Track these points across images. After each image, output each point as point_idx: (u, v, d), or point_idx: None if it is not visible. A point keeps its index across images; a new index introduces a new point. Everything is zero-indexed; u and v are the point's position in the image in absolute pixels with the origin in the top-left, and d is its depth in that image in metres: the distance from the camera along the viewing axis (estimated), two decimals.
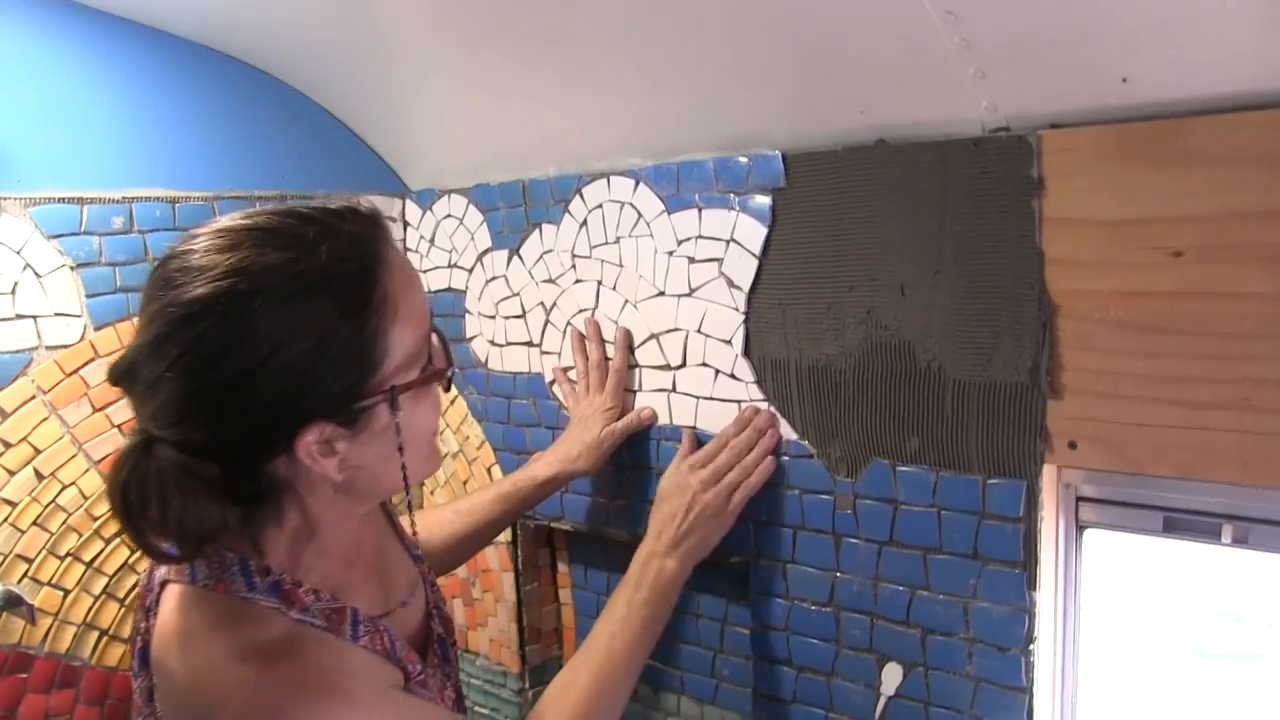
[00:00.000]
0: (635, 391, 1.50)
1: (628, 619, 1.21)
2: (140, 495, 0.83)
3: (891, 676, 1.25)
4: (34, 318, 1.42)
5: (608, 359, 1.50)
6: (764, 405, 1.33)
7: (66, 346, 1.44)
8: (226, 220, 0.87)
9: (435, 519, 1.43)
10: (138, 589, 1.19)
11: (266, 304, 0.82)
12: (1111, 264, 1.01)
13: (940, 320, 1.14)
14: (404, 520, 1.17)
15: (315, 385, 0.85)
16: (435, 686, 1.03)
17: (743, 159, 1.30)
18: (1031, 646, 1.13)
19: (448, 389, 1.00)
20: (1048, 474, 1.11)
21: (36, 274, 1.41)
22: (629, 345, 1.49)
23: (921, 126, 1.14)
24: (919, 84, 1.11)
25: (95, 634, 1.48)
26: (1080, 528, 1.14)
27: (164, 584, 0.93)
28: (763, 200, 1.28)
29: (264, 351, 0.82)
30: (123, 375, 0.87)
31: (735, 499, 1.29)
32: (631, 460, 1.51)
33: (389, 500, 1.15)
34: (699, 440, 1.39)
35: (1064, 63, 0.98)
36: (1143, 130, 0.98)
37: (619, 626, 1.20)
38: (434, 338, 0.95)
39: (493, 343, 1.70)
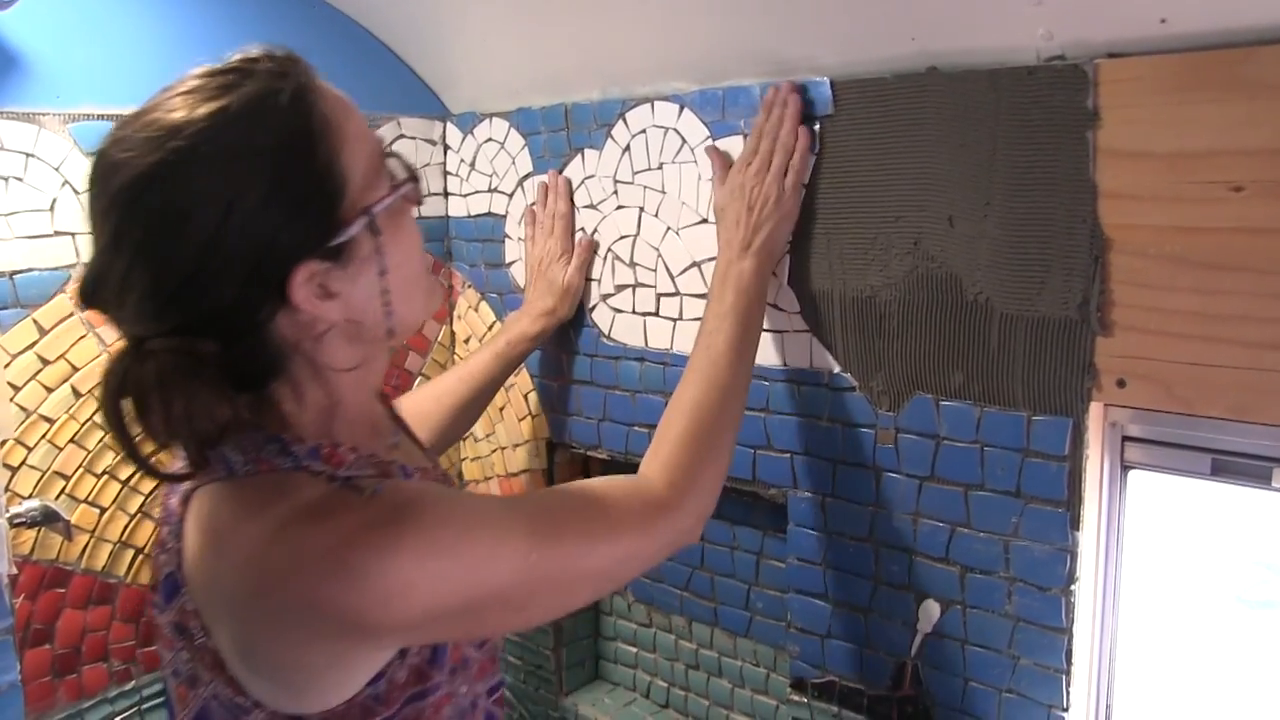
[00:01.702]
0: (676, 320, 1.48)
1: (719, 329, 1.20)
2: (140, 400, 0.80)
3: (929, 614, 1.24)
4: (72, 234, 1.41)
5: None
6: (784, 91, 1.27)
7: None
8: (146, 103, 0.84)
9: (441, 388, 1.49)
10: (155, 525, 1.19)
11: (209, 157, 0.79)
12: (1168, 198, 0.98)
13: (989, 252, 1.11)
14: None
15: (286, 226, 0.81)
16: None
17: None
18: (1073, 587, 1.11)
19: (419, 203, 0.95)
20: (1094, 412, 1.08)
21: (75, 190, 1.40)
22: (570, 193, 1.59)
23: (974, 54, 1.10)
24: (972, 9, 1.07)
25: (130, 552, 1.49)
26: (1125, 468, 1.12)
27: (190, 494, 0.89)
28: (809, 127, 1.25)
29: (221, 206, 0.79)
30: (91, 292, 0.84)
31: (789, 181, 1.26)
32: (669, 388, 1.49)
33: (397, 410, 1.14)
34: None
35: None
36: (1205, 59, 0.94)
37: (713, 338, 1.19)
38: (390, 161, 0.91)
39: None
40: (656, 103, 1.44)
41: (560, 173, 1.61)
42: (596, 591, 1.01)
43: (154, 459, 0.84)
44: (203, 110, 0.80)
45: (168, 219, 0.79)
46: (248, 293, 0.82)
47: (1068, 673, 1.13)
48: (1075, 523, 1.10)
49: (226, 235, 0.79)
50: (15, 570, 1.21)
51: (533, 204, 1.66)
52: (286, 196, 0.81)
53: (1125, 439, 1.10)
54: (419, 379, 1.82)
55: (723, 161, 1.35)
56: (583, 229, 1.59)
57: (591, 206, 1.56)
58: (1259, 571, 1.39)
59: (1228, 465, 1.03)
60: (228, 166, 0.80)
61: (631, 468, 1.62)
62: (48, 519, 1.39)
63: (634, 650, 1.78)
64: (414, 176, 0.92)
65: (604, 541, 0.95)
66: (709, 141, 1.37)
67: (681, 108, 1.40)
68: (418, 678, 0.90)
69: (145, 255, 0.80)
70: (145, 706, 1.54)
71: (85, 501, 1.45)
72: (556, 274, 1.58)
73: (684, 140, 1.40)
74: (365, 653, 0.84)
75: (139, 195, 0.79)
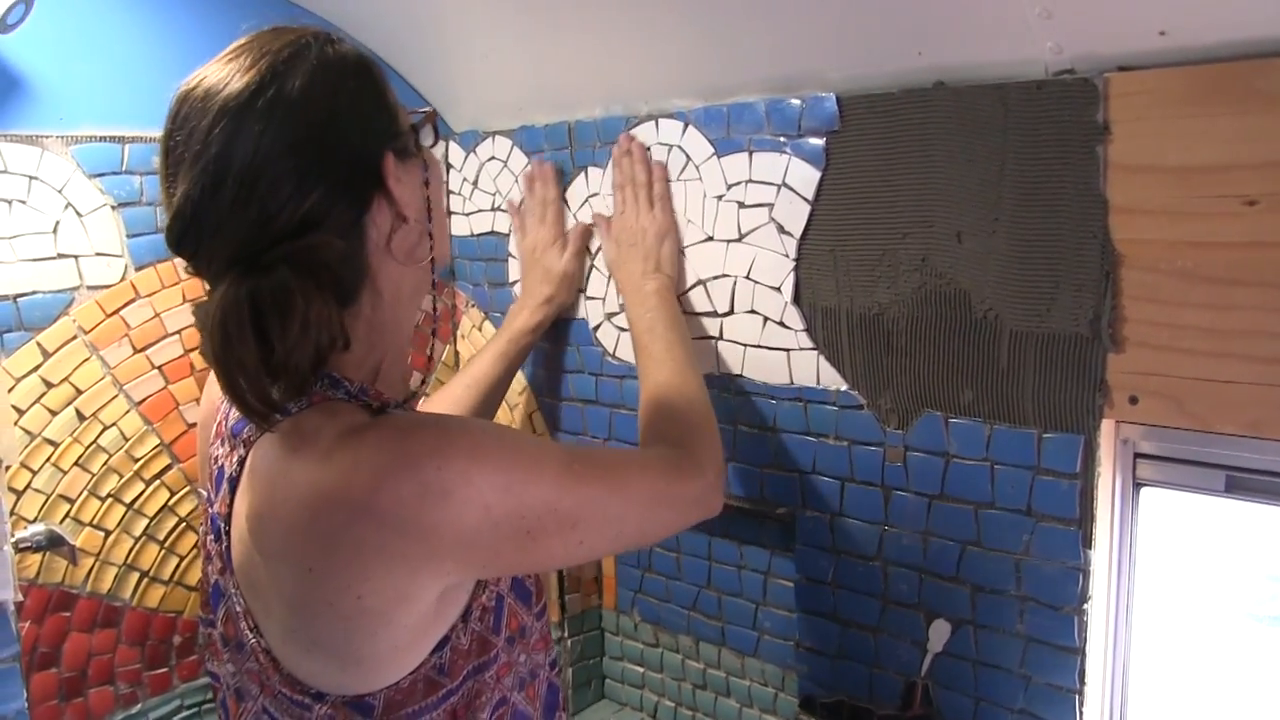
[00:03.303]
0: None
1: (654, 324, 1.30)
2: (256, 320, 0.81)
3: (939, 633, 1.23)
4: (75, 257, 1.41)
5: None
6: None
7: (108, 287, 1.43)
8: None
9: (449, 398, 1.51)
10: (199, 532, 1.17)
11: (310, 62, 0.86)
12: (1180, 212, 0.97)
13: (998, 269, 1.11)
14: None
15: (375, 115, 0.90)
16: None
17: (795, 101, 1.26)
18: (1085, 606, 1.10)
19: (436, 137, 1.01)
20: (1105, 429, 1.07)
21: (78, 213, 1.40)
22: (559, 180, 1.60)
23: (982, 68, 1.10)
24: (980, 23, 1.07)
25: (136, 575, 1.49)
26: (1138, 485, 1.11)
27: (248, 450, 0.91)
28: (816, 143, 1.24)
29: (329, 90, 0.86)
30: (184, 230, 0.85)
31: (657, 204, 1.43)
32: None
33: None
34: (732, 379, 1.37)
35: (1134, 1, 0.94)
36: (1218, 72, 0.93)
37: (654, 331, 1.30)
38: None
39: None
40: (660, 120, 1.43)
41: (546, 162, 1.61)
42: (641, 525, 1.02)
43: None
44: (284, 40, 0.88)
45: (284, 105, 0.84)
46: (359, 171, 0.88)
47: (1081, 692, 1.12)
48: (1087, 541, 1.09)
49: (338, 115, 0.87)
50: (21, 597, 1.20)
51: (520, 203, 1.66)
52: (369, 94, 0.90)
53: (1137, 456, 1.09)
54: (422, 398, 1.81)
55: (605, 225, 1.49)
56: (575, 216, 1.61)
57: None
58: (1271, 587, 1.37)
59: (1242, 482, 1.02)
60: (324, 69, 0.87)
61: None
62: (53, 543, 1.38)
63: (641, 670, 1.77)
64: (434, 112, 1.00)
65: (637, 471, 1.01)
66: (714, 158, 1.36)
67: (686, 125, 1.40)
68: (480, 647, 0.91)
69: (275, 133, 0.83)
70: None
71: (90, 525, 1.44)
72: (552, 261, 1.58)
73: (689, 158, 1.40)
74: (426, 579, 0.83)
75: (244, 105, 0.83)
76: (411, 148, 0.94)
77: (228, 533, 0.92)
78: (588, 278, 1.58)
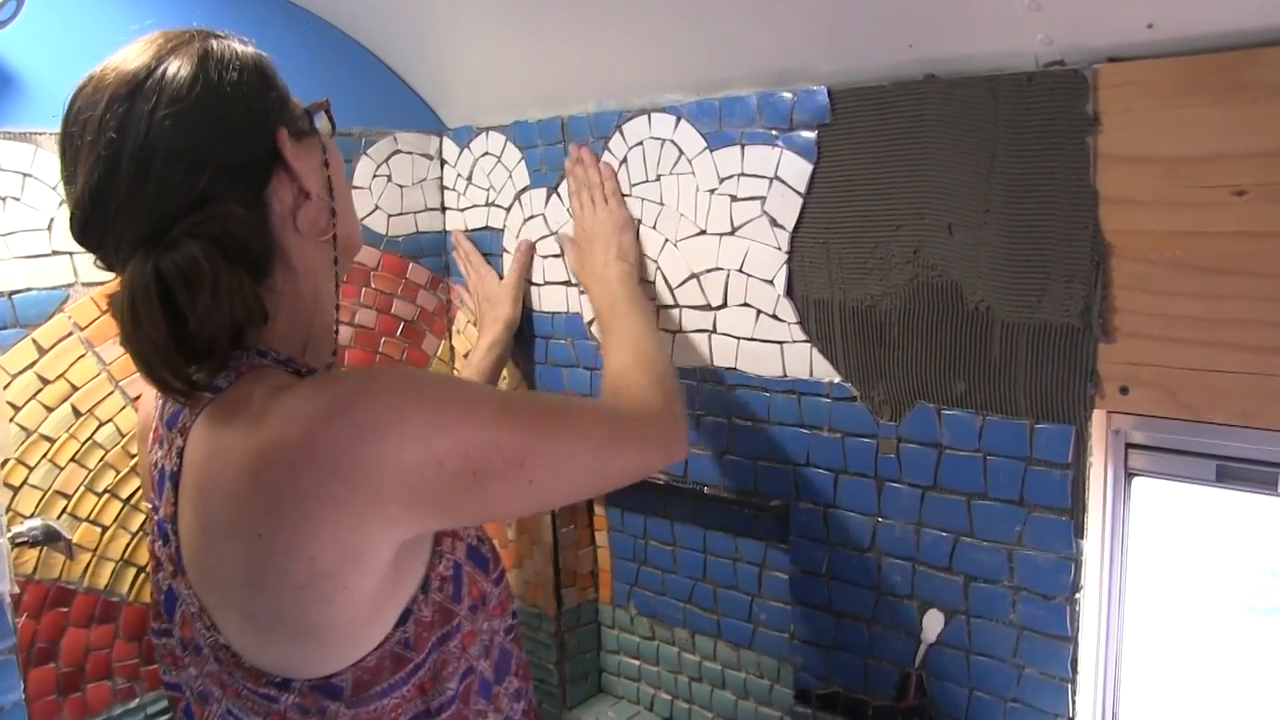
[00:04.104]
0: (675, 332, 1.47)
1: (616, 302, 1.35)
2: (165, 299, 0.82)
3: (933, 623, 1.24)
4: (70, 254, 1.41)
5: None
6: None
7: (103, 283, 1.43)
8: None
9: None
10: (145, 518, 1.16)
11: (195, 47, 0.90)
12: (1170, 203, 0.98)
13: (989, 260, 1.11)
14: None
15: (264, 96, 0.92)
16: None
17: (787, 94, 1.27)
18: (1077, 595, 1.11)
19: (334, 130, 1.03)
20: (1097, 419, 1.08)
21: None
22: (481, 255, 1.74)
23: (972, 61, 1.10)
24: (970, 16, 1.07)
25: (133, 570, 1.48)
26: (1129, 475, 1.11)
27: (185, 439, 0.89)
28: (807, 136, 1.25)
29: (216, 74, 0.88)
30: (87, 218, 0.87)
31: (608, 195, 1.50)
32: None
33: None
34: (722, 377, 1.38)
35: None
36: (1207, 63, 0.94)
37: (616, 308, 1.34)
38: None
39: (530, 282, 1.68)
40: (653, 114, 1.43)
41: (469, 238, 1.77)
42: (595, 465, 1.00)
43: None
44: (162, 39, 0.92)
45: (173, 84, 0.86)
46: (252, 144, 0.90)
47: (1073, 681, 1.13)
48: (1079, 531, 1.10)
49: (226, 92, 0.88)
50: (17, 590, 1.20)
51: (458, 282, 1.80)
52: (259, 74, 0.93)
53: (1129, 446, 1.10)
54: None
55: (568, 241, 1.57)
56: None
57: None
58: (1264, 578, 1.38)
59: (1233, 471, 1.03)
60: (209, 53, 0.90)
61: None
62: (49, 538, 1.38)
63: (637, 663, 1.77)
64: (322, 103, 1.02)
65: (585, 409, 1.02)
66: (706, 152, 1.36)
67: (678, 119, 1.40)
68: (443, 617, 0.92)
69: (159, 122, 0.85)
70: None
71: (87, 520, 1.44)
72: (492, 288, 1.69)
73: (681, 152, 1.40)
74: (375, 529, 0.82)
75: (136, 88, 0.86)
76: (306, 128, 0.97)
77: (175, 532, 0.91)
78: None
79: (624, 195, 1.50)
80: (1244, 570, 1.34)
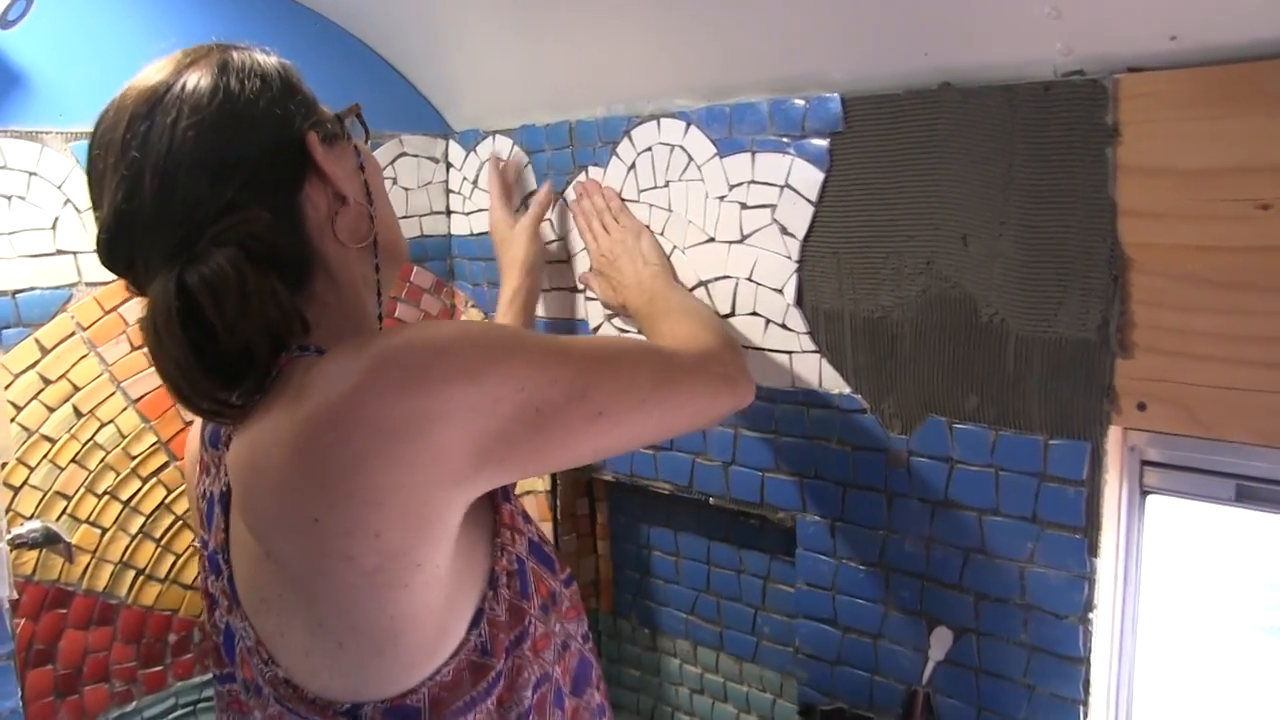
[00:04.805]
0: None
1: (653, 300, 1.33)
2: (195, 316, 0.78)
3: (941, 641, 1.22)
4: (74, 253, 1.40)
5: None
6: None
7: (106, 283, 1.42)
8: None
9: None
10: (199, 583, 1.11)
11: (215, 58, 0.88)
12: (1191, 216, 0.96)
13: (1004, 272, 1.09)
14: None
15: (288, 99, 0.90)
16: None
17: (799, 101, 1.25)
18: (1090, 615, 1.09)
19: (367, 135, 1.01)
20: (1112, 436, 1.06)
21: (77, 209, 1.39)
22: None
23: (989, 69, 1.08)
24: (988, 24, 1.05)
25: (132, 573, 1.47)
26: (1144, 493, 1.09)
27: (229, 442, 0.85)
28: (819, 144, 1.23)
29: (237, 83, 0.86)
30: (113, 238, 0.85)
31: (616, 214, 1.48)
32: None
33: None
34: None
35: (1145, 2, 0.93)
36: (1231, 73, 0.92)
37: (657, 295, 1.34)
38: None
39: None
40: (662, 120, 1.42)
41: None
42: (662, 396, 0.96)
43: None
44: (181, 54, 0.90)
45: (194, 94, 0.84)
46: (279, 150, 0.87)
47: (1085, 703, 1.11)
48: (1093, 549, 1.08)
49: (250, 98, 0.86)
50: (16, 594, 1.19)
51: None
52: (283, 79, 0.91)
53: (1144, 463, 1.08)
54: None
55: (592, 278, 1.53)
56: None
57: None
58: (1275, 597, 1.36)
59: (1253, 491, 1.01)
60: (230, 63, 0.88)
61: (633, 489, 1.61)
62: (49, 540, 1.37)
63: (638, 674, 1.75)
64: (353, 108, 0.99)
65: (642, 344, 1.02)
66: (716, 159, 1.35)
67: (688, 125, 1.38)
68: (514, 616, 0.87)
69: (182, 132, 0.83)
70: None
71: (87, 522, 1.43)
72: (505, 230, 1.58)
73: (690, 158, 1.38)
74: (440, 489, 0.77)
75: (162, 94, 0.85)
76: (337, 132, 0.94)
77: (228, 561, 0.87)
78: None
79: (631, 201, 1.49)
80: (1256, 590, 1.32)
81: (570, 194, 1.54)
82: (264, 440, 0.79)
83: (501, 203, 1.61)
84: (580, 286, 1.58)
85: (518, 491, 1.72)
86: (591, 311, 1.58)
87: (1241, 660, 1.28)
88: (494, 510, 0.89)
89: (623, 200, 1.48)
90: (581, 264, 1.58)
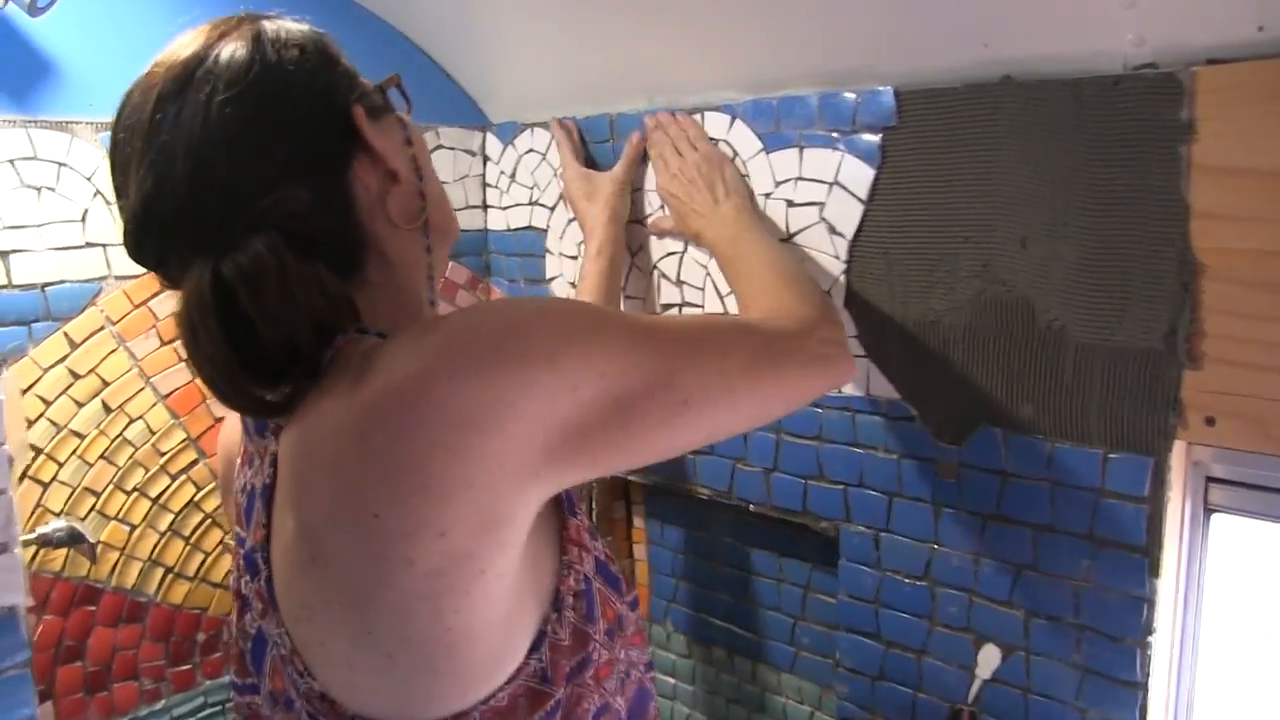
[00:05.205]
0: None
1: (736, 243, 1.23)
2: (231, 309, 0.72)
3: (989, 659, 1.17)
4: (104, 246, 1.37)
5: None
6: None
7: (135, 277, 1.40)
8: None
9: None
10: (230, 585, 1.05)
11: (248, 28, 0.81)
12: (1270, 220, 0.90)
13: (1064, 277, 1.04)
14: None
15: (328, 71, 0.83)
16: None
17: (850, 95, 1.20)
18: (1149, 638, 1.03)
19: (410, 107, 0.93)
20: (1176, 451, 1.01)
21: (107, 201, 1.37)
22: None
23: (1053, 62, 1.03)
24: (1053, 13, 1.00)
25: (160, 570, 1.45)
26: (1209, 511, 1.04)
27: (279, 431, 0.78)
28: (871, 140, 1.18)
29: (275, 53, 0.80)
30: (143, 226, 0.78)
31: (694, 140, 1.38)
32: None
33: None
34: None
35: None
36: None
37: (734, 255, 1.23)
38: None
39: (574, 285, 1.62)
40: (707, 113, 1.37)
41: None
42: (753, 379, 0.87)
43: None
44: (209, 26, 0.83)
45: (228, 67, 0.78)
46: (324, 125, 0.81)
47: None
48: (1154, 569, 1.02)
49: (288, 68, 0.80)
50: (31, 601, 1.16)
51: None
52: (322, 50, 0.84)
53: (1209, 480, 1.02)
54: None
55: (668, 199, 1.41)
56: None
57: (637, 221, 1.50)
58: None
59: None
60: (263, 33, 0.81)
61: (669, 493, 1.57)
62: (73, 540, 1.35)
63: (673, 682, 1.71)
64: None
65: (729, 321, 0.94)
66: (762, 154, 1.30)
67: (733, 118, 1.34)
68: (578, 641, 0.79)
69: (217, 109, 0.76)
70: None
71: (115, 519, 1.41)
72: (582, 185, 1.51)
73: (735, 152, 1.34)
74: (511, 484, 0.70)
75: (193, 69, 0.78)
76: (382, 104, 0.87)
77: (267, 560, 0.79)
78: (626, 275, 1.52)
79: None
80: None
81: (648, 124, 1.44)
82: (320, 427, 0.73)
83: (574, 160, 1.54)
84: (683, 239, 1.46)
85: None
86: (666, 292, 1.53)
87: None
88: (562, 524, 0.83)
89: (702, 130, 1.39)
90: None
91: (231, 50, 0.78)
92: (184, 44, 0.81)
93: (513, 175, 1.71)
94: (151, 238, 0.78)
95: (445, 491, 0.67)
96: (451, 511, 0.67)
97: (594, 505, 1.68)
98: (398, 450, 0.67)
